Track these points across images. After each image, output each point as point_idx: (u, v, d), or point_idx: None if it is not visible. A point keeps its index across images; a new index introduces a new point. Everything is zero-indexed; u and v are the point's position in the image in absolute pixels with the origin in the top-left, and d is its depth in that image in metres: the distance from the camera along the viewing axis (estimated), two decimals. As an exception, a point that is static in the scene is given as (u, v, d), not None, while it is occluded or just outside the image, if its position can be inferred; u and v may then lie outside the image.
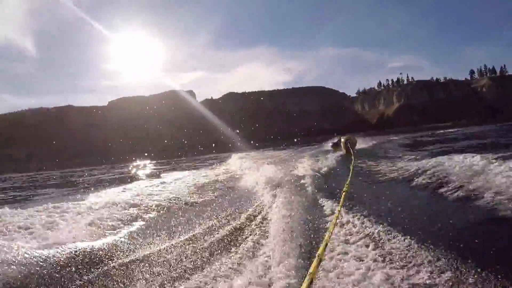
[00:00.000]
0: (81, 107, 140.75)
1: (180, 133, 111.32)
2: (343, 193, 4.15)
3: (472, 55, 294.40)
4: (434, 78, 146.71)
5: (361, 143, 15.50)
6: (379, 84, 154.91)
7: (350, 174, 5.92)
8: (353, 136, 13.75)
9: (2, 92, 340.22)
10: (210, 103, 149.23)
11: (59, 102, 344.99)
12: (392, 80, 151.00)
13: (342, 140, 12.98)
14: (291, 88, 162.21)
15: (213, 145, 59.70)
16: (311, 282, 1.82)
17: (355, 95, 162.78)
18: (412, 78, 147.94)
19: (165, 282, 2.73)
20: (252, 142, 42.92)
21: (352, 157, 8.43)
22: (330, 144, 15.85)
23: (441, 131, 35.49)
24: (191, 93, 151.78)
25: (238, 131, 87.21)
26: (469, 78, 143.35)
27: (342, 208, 3.78)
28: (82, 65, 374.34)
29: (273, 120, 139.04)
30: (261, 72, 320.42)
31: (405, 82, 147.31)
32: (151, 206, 5.68)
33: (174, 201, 6.18)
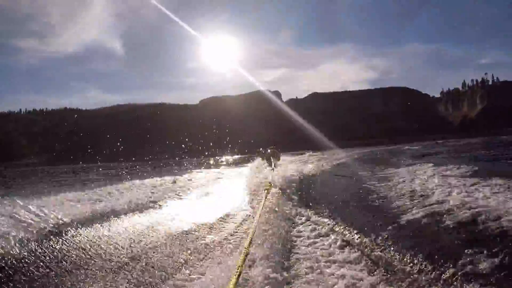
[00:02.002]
0: (175, 105, 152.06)
1: (265, 132, 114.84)
2: (265, 191, 4.77)
3: None
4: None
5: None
6: (464, 84, 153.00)
7: (271, 177, 7.06)
8: (278, 150, 15.00)
9: (93, 88, 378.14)
10: (294, 103, 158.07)
11: (146, 98, 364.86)
12: (476, 80, 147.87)
13: (269, 151, 14.13)
14: (374, 89, 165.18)
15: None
16: (239, 276, 2.01)
17: (438, 95, 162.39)
18: (497, 78, 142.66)
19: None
20: (333, 142, 43.54)
21: (273, 166, 9.99)
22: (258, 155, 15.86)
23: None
24: (277, 93, 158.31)
25: (321, 131, 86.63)
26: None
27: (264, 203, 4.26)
28: (168, 63, 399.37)
29: (355, 120, 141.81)
30: (345, 70, 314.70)
31: (490, 82, 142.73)
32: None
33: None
